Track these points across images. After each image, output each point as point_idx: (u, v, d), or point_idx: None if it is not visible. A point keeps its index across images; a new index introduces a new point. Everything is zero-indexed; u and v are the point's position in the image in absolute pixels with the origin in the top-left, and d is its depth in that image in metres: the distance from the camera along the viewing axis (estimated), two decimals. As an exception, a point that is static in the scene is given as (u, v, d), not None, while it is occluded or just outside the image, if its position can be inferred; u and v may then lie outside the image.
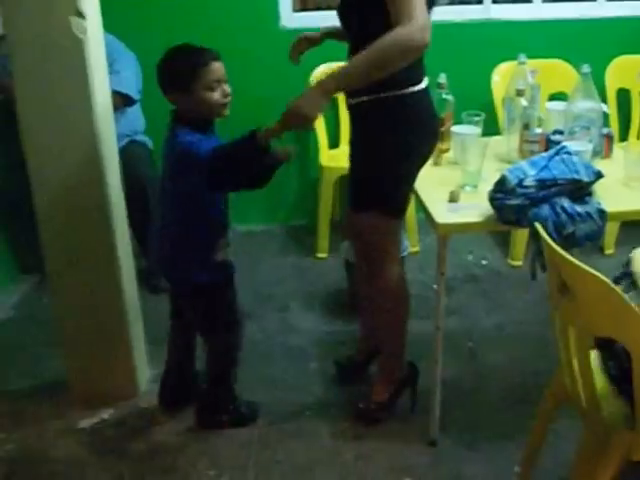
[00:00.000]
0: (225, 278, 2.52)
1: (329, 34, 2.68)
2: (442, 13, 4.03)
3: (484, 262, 3.95)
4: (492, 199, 2.23)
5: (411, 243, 3.84)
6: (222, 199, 2.44)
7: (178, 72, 2.24)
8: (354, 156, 2.46)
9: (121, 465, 2.54)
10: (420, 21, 2.02)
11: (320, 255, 4.00)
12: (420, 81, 2.33)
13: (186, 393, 2.78)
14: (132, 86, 3.55)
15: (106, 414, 2.79)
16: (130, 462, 2.55)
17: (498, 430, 2.64)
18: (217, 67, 2.24)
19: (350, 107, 2.43)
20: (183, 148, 2.24)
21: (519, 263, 3.85)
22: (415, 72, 2.29)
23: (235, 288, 2.58)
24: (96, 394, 2.84)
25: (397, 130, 2.33)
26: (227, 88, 2.27)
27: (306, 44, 2.66)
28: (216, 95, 2.24)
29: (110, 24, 2.67)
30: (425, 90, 2.36)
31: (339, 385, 2.93)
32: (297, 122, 2.12)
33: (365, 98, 2.31)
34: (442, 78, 2.84)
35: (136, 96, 3.60)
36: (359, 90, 2.27)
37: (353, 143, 2.47)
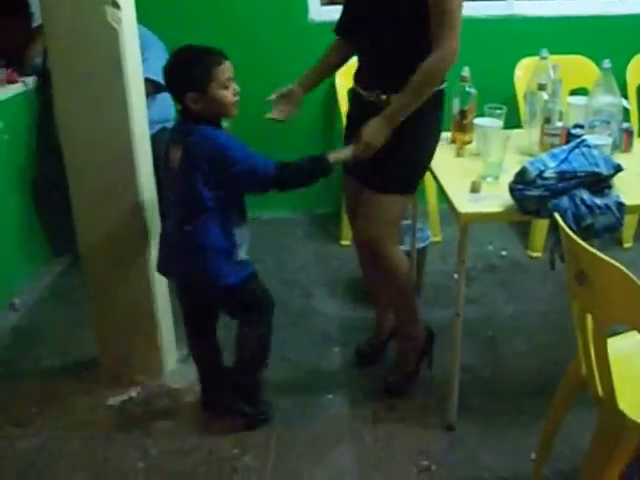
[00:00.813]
0: (246, 276, 2.50)
1: (308, 85, 2.73)
2: (466, 8, 4.00)
3: (504, 253, 3.98)
4: (512, 190, 2.27)
5: (433, 233, 3.89)
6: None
7: (195, 74, 2.27)
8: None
9: (147, 442, 2.62)
10: (452, 47, 2.35)
11: (344, 243, 4.06)
12: (444, 81, 2.53)
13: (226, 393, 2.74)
14: (161, 73, 3.61)
15: (134, 392, 2.87)
16: (155, 440, 2.63)
17: (515, 417, 2.68)
18: (228, 66, 2.30)
19: (379, 102, 2.50)
20: (222, 150, 2.29)
21: (538, 254, 3.89)
22: None
23: (260, 279, 2.59)
24: (124, 373, 2.92)
25: (426, 121, 2.53)
26: (236, 87, 2.33)
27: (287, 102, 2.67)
28: (229, 94, 2.30)
29: (141, 16, 2.71)
30: (444, 89, 2.57)
31: (359, 368, 3.00)
32: (368, 154, 2.45)
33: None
34: (466, 71, 2.89)
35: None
36: (391, 87, 2.44)
37: None
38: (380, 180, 2.56)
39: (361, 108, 2.60)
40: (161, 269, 2.60)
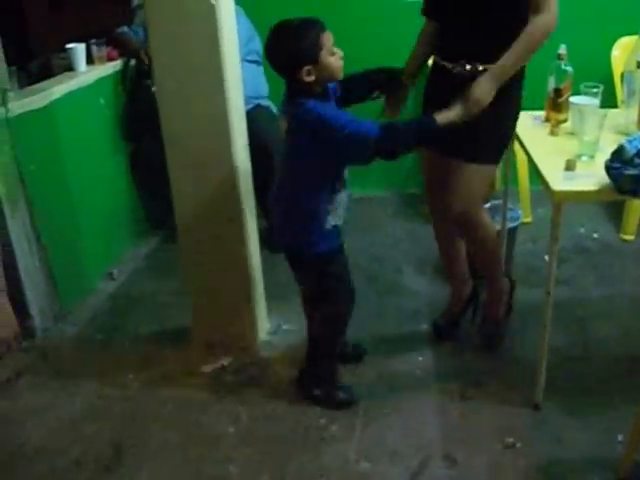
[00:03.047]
0: (334, 247, 2.54)
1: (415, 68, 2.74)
2: None
3: (595, 235, 3.93)
4: (609, 168, 2.23)
5: (524, 214, 3.86)
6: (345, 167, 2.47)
7: (305, 45, 2.24)
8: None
9: (238, 408, 2.70)
10: (555, 8, 2.39)
11: (433, 222, 4.07)
12: None
13: None
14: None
15: (226, 361, 2.96)
16: (247, 406, 2.71)
17: (602, 399, 2.65)
18: (329, 32, 2.30)
19: (465, 72, 2.53)
20: (323, 122, 2.26)
21: (631, 237, 3.83)
22: None
23: (345, 258, 2.62)
24: (218, 342, 3.01)
25: (515, 88, 2.57)
26: (340, 50, 2.31)
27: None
28: (336, 59, 2.30)
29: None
30: None
31: (438, 341, 3.05)
32: (476, 111, 2.37)
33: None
34: (562, 49, 2.84)
35: (245, 54, 3.67)
36: (477, 57, 2.48)
37: None
38: (474, 150, 2.59)
39: (444, 81, 2.61)
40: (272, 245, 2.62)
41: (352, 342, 2.89)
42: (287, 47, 2.27)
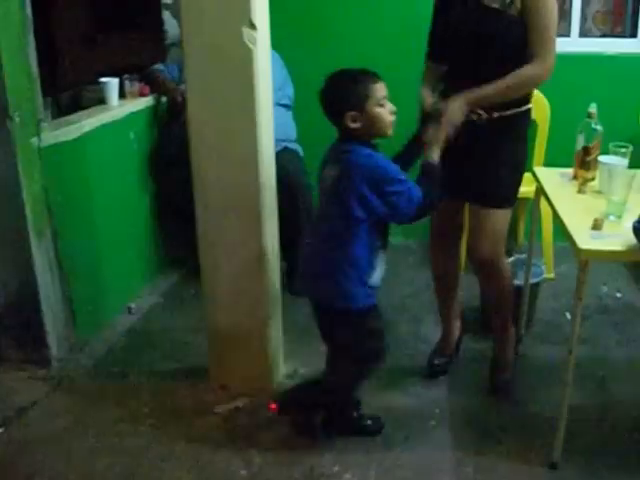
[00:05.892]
0: (372, 304, 2.52)
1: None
2: (595, 45, 4.07)
3: (618, 295, 3.89)
4: (637, 229, 2.23)
5: (547, 270, 3.84)
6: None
7: (353, 93, 2.32)
8: (490, 161, 2.74)
9: (251, 451, 2.67)
10: (552, 61, 2.56)
11: (455, 272, 4.05)
12: (530, 101, 2.77)
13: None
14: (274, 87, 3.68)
15: (241, 402, 2.93)
16: (260, 450, 2.67)
17: (621, 461, 2.60)
18: (382, 85, 2.36)
19: (490, 120, 2.66)
20: (380, 169, 2.33)
21: (655, 299, 3.79)
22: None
23: (381, 317, 2.60)
24: (233, 383, 2.99)
25: (525, 134, 2.81)
26: (392, 106, 2.38)
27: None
28: (385, 112, 2.35)
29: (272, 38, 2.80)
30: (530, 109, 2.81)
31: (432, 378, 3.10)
32: (451, 131, 2.50)
33: (509, 112, 2.67)
34: (592, 108, 2.85)
35: (278, 99, 3.70)
36: (501, 106, 2.64)
37: (490, 150, 2.73)
38: (501, 196, 2.76)
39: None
40: (296, 290, 2.64)
41: (369, 415, 2.81)
42: (334, 92, 2.37)
